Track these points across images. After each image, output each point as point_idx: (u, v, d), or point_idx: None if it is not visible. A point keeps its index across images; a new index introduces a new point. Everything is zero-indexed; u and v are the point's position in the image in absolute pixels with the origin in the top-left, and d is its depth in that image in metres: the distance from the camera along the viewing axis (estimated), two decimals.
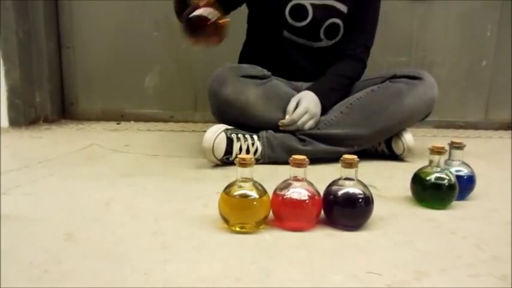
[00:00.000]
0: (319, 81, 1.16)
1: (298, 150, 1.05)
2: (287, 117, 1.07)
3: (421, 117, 1.15)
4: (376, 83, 1.14)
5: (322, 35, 1.18)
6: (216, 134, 1.01)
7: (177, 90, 1.78)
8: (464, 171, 0.81)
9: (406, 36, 1.76)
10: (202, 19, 0.83)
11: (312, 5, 1.14)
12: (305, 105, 1.07)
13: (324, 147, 1.08)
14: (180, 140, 1.39)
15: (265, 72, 1.12)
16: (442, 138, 0.86)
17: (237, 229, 0.64)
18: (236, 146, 1.03)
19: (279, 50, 1.20)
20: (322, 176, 0.70)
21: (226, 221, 0.64)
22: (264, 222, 0.65)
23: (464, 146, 0.81)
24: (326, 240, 0.62)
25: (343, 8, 1.16)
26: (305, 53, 1.20)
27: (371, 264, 0.55)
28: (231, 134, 1.03)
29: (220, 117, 1.10)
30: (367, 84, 1.17)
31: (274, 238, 0.62)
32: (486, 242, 0.62)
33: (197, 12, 0.84)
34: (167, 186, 0.88)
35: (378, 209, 0.72)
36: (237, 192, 0.64)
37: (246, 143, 1.05)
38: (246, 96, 1.06)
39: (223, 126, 1.04)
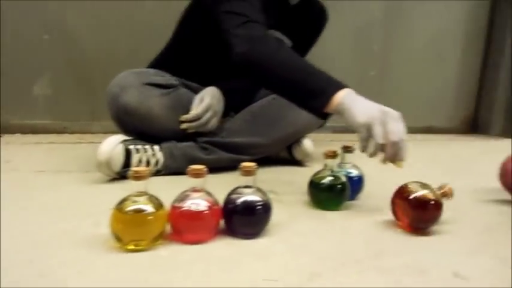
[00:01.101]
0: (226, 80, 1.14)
1: (201, 160, 1.04)
2: (191, 112, 1.04)
3: (319, 125, 1.21)
4: None
5: None
6: (112, 145, 0.94)
7: (72, 98, 1.64)
8: (354, 173, 0.88)
9: None
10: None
11: None
12: (208, 101, 1.05)
13: (227, 155, 1.08)
14: (73, 153, 1.28)
15: (173, 81, 1.08)
16: (338, 143, 0.92)
17: (131, 247, 0.60)
18: (135, 158, 0.98)
19: (212, 63, 1.12)
20: (226, 184, 0.69)
21: (118, 239, 0.60)
22: (161, 238, 0.62)
23: (355, 149, 0.88)
24: (225, 250, 0.62)
25: (289, 43, 1.18)
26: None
27: (268, 271, 0.55)
28: (129, 145, 0.98)
29: (119, 124, 1.04)
30: (269, 92, 1.20)
31: (171, 253, 0.60)
32: (373, 238, 0.68)
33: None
34: (53, 205, 0.79)
35: (277, 214, 0.74)
36: (131, 207, 0.60)
37: (146, 154, 1.00)
38: (149, 106, 1.01)
39: (121, 137, 0.98)
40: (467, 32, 2.10)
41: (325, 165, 0.82)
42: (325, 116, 0.83)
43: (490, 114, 2.12)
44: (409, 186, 0.72)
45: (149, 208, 0.60)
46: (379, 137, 0.72)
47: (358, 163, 0.89)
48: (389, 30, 1.97)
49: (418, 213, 0.69)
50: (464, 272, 0.56)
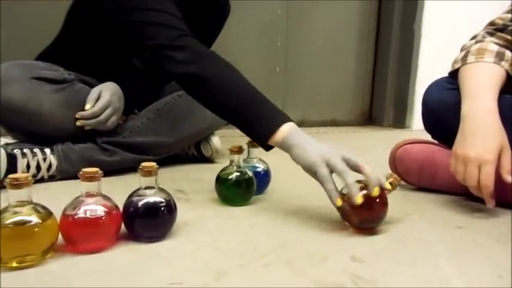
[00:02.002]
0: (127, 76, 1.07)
1: (102, 162, 0.96)
2: (87, 106, 0.95)
3: (225, 122, 1.20)
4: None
5: None
6: None
7: None
8: (261, 168, 0.89)
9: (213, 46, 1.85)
10: None
11: None
12: (107, 97, 0.97)
13: (130, 156, 1.01)
14: None
15: (66, 75, 0.97)
16: (247, 138, 0.93)
17: (14, 265, 0.53)
18: (22, 164, 0.87)
19: (108, 56, 1.04)
20: (131, 186, 0.64)
21: None
22: (51, 251, 0.56)
23: None
24: (126, 256, 0.58)
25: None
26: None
27: (174, 273, 0.53)
28: (13, 149, 0.87)
29: (2, 124, 0.92)
30: (173, 89, 1.16)
31: (62, 267, 0.54)
32: (277, 230, 0.69)
33: None
34: None
35: (184, 213, 0.72)
36: (11, 219, 0.53)
37: (36, 158, 0.90)
38: (39, 104, 0.90)
39: (1, 141, 0.87)
40: (360, 27, 2.27)
41: (231, 161, 0.82)
42: (268, 148, 0.77)
43: (382, 107, 2.34)
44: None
45: (34, 219, 0.54)
46: (343, 168, 0.65)
47: (264, 157, 0.91)
48: (290, 27, 2.05)
49: (364, 214, 0.66)
50: (360, 255, 0.60)
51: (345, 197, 0.66)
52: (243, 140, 0.86)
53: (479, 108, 0.77)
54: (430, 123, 1.00)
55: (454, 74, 0.90)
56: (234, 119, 0.80)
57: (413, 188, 0.98)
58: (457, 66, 0.88)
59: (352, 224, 0.69)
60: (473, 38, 0.92)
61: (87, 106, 0.95)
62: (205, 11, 1.16)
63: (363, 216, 0.67)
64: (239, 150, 0.81)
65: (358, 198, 0.63)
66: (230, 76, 0.81)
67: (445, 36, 2.17)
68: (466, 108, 0.79)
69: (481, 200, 0.77)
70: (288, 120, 0.75)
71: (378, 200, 0.66)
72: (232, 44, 1.91)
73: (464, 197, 0.88)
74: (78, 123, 0.95)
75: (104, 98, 0.97)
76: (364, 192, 0.65)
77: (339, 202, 0.65)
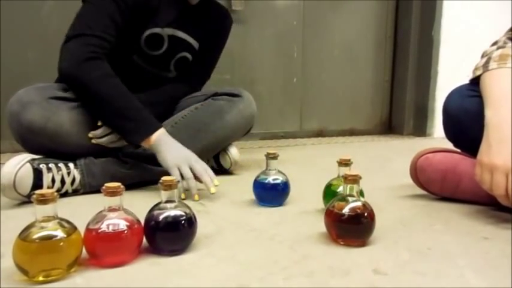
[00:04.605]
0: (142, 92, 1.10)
1: (123, 175, 0.99)
2: (100, 122, 0.98)
3: (243, 132, 1.21)
4: (199, 101, 1.16)
5: (172, 67, 1.16)
6: (17, 166, 0.85)
7: None
8: (280, 179, 0.89)
9: (228, 56, 1.86)
10: None
11: (169, 36, 1.10)
12: None
13: (150, 168, 1.03)
14: None
15: None
16: (266, 149, 0.94)
17: (41, 279, 0.54)
18: (47, 178, 0.90)
19: (121, 71, 1.05)
20: (151, 199, 0.65)
21: (24, 272, 0.54)
22: (75, 265, 0.57)
23: (278, 155, 0.89)
24: (148, 270, 0.58)
25: (195, 44, 1.18)
26: (149, 79, 1.14)
27: (195, 287, 0.53)
28: (39, 164, 0.89)
29: (25, 145, 0.94)
30: (191, 102, 1.18)
31: (87, 281, 0.55)
32: (298, 243, 0.68)
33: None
34: None
35: (204, 226, 0.72)
36: (38, 234, 0.54)
37: (60, 172, 0.92)
38: (58, 123, 0.93)
39: (28, 156, 0.89)
40: (377, 35, 2.26)
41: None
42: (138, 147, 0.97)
43: (402, 115, 2.30)
44: (334, 205, 0.68)
45: (59, 233, 0.55)
46: (189, 175, 0.91)
47: (282, 168, 0.91)
48: (306, 37, 2.06)
49: (353, 228, 0.67)
50: (383, 267, 0.59)
51: (328, 210, 0.68)
52: (261, 151, 0.86)
53: (503, 115, 0.75)
54: (452, 132, 0.98)
55: (475, 81, 0.88)
56: (110, 123, 0.98)
57: (435, 198, 0.96)
58: (478, 73, 0.86)
59: (332, 236, 0.69)
60: (495, 43, 0.90)
61: (100, 122, 0.98)
62: (202, 22, 1.18)
63: (351, 231, 0.67)
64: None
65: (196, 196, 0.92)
66: (107, 83, 0.94)
67: (464, 42, 2.13)
68: (490, 115, 0.77)
69: (508, 210, 0.75)
70: (157, 128, 0.95)
71: (366, 214, 0.66)
72: (249, 56, 1.93)
73: (490, 206, 0.86)
74: (92, 141, 0.98)
75: None
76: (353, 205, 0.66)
77: (183, 195, 0.92)
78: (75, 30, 0.95)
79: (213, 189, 0.91)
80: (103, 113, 0.96)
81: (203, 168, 0.93)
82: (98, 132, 0.97)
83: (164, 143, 0.94)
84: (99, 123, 0.98)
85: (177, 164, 0.92)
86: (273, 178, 0.88)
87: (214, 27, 1.23)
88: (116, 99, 0.94)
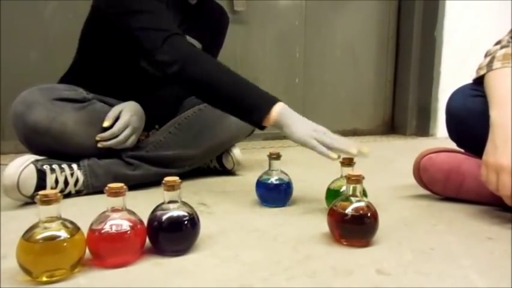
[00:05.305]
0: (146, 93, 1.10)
1: (126, 176, 0.99)
2: (105, 124, 0.97)
3: (247, 134, 1.21)
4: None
5: None
6: (21, 167, 0.86)
7: None
8: (282, 180, 0.89)
9: (231, 57, 1.87)
10: None
11: None
12: (126, 118, 0.99)
13: (154, 169, 1.03)
14: None
15: (85, 94, 1.00)
16: (269, 149, 0.94)
17: (44, 279, 0.54)
18: (51, 179, 0.90)
19: (127, 75, 1.07)
20: (155, 200, 0.66)
21: (28, 272, 0.54)
22: (78, 265, 0.57)
23: (281, 156, 0.89)
24: (152, 270, 0.58)
25: (198, 45, 1.15)
26: (154, 82, 1.10)
27: (199, 287, 0.53)
28: (42, 165, 0.89)
29: (29, 146, 0.95)
30: (194, 103, 1.18)
31: (90, 281, 0.55)
32: (301, 243, 0.68)
33: None
34: None
35: (207, 227, 0.72)
36: (41, 235, 0.54)
37: (64, 173, 0.92)
38: (62, 123, 0.93)
39: (31, 157, 0.90)
40: (379, 35, 2.25)
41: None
42: (263, 128, 0.89)
43: (405, 115, 2.30)
44: (337, 204, 0.68)
45: (63, 234, 0.55)
46: (329, 140, 0.82)
47: (285, 169, 0.90)
48: (308, 38, 2.06)
49: (356, 228, 0.67)
50: (387, 268, 0.59)
51: (331, 210, 0.68)
52: (263, 151, 0.86)
53: (508, 115, 0.75)
54: (455, 132, 0.97)
55: (479, 81, 0.88)
56: (229, 110, 0.92)
57: (438, 198, 0.95)
58: (482, 73, 0.86)
59: (335, 236, 0.68)
60: (498, 43, 0.90)
61: (105, 123, 0.98)
62: (202, 22, 1.17)
63: (355, 231, 0.67)
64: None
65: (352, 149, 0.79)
66: (216, 72, 0.90)
67: (467, 42, 2.13)
68: (495, 115, 0.77)
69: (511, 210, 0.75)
70: (275, 102, 0.86)
71: (369, 214, 0.66)
72: (251, 56, 1.93)
73: (493, 206, 0.86)
74: (99, 145, 0.98)
75: (122, 118, 0.99)
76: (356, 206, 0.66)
77: (333, 155, 0.79)
78: (157, 36, 0.90)
79: (366, 149, 0.81)
80: (220, 99, 0.90)
81: (333, 137, 0.84)
82: (106, 134, 0.97)
83: (288, 117, 0.87)
84: (106, 125, 0.98)
85: (311, 135, 0.83)
86: (275, 178, 0.88)
87: (214, 27, 1.22)
88: (229, 82, 0.88)
